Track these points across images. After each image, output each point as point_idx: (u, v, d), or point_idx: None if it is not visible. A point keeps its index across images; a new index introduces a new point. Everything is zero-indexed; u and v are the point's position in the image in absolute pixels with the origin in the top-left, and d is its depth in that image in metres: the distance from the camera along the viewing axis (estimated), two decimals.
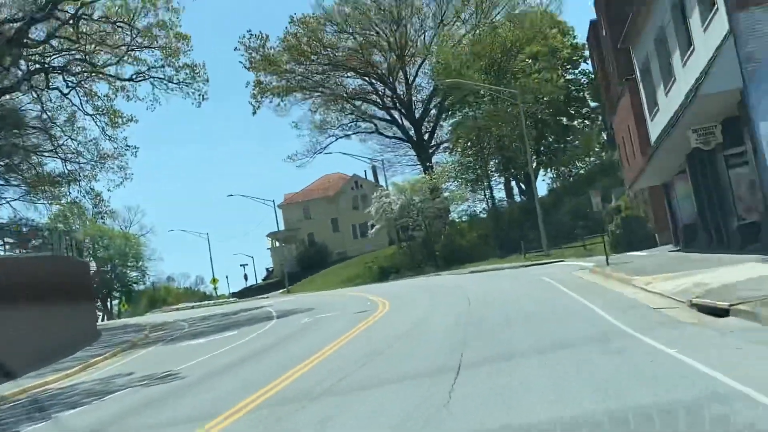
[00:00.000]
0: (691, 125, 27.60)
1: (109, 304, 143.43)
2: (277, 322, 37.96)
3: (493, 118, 72.36)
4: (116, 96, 59.38)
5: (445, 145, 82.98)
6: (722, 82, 24.48)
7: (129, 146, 59.82)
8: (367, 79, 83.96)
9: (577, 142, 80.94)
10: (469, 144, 74.09)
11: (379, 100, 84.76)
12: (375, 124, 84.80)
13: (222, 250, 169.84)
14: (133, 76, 58.22)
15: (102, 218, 68.24)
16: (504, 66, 78.66)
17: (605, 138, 76.52)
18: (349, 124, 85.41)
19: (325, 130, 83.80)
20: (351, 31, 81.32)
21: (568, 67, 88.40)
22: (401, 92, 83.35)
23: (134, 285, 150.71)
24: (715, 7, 25.48)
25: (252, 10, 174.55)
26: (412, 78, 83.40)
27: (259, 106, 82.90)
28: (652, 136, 37.99)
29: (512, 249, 66.89)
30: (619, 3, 78.38)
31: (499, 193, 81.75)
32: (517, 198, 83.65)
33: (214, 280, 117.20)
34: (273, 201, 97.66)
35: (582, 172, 74.84)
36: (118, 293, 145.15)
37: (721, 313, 15.62)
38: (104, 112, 59.68)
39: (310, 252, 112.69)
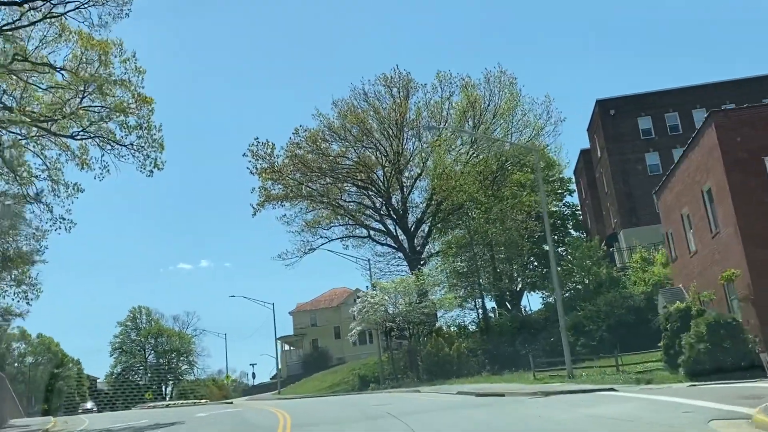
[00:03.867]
0: None
1: (162, 390, 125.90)
2: None
3: (485, 226, 47.01)
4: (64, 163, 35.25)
5: (437, 258, 56.42)
6: None
7: (64, 219, 34.83)
8: (365, 191, 58.75)
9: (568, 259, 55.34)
10: (460, 260, 48.38)
11: (375, 213, 59.26)
12: (369, 231, 58.92)
13: (251, 347, 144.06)
14: (74, 134, 33.61)
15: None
16: (498, 180, 54.07)
17: (605, 252, 50.54)
18: (345, 228, 59.75)
19: (316, 230, 58.21)
20: (352, 142, 56.64)
21: (551, 199, 63.14)
22: (396, 203, 57.99)
23: (183, 376, 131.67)
24: None
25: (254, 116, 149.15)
26: (408, 190, 58.03)
27: (259, 210, 57.68)
28: None
29: (503, 365, 40.85)
30: (615, 121, 54.67)
31: (489, 303, 55.30)
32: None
33: (227, 377, 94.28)
34: (272, 304, 72.30)
35: (579, 287, 48.09)
36: (171, 382, 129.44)
37: None
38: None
39: (313, 356, 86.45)
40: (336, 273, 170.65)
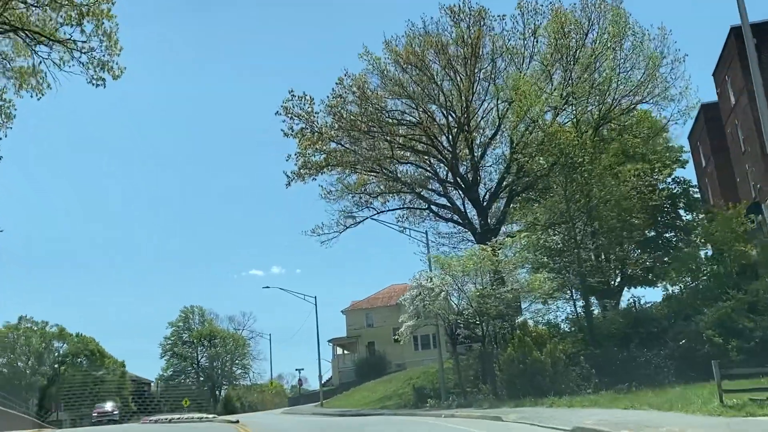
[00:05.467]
0: None
1: (217, 395, 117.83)
2: None
3: (589, 183, 34.45)
4: None
5: (521, 240, 43.18)
6: None
7: None
8: (426, 156, 46.99)
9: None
10: (553, 233, 35.68)
11: (438, 185, 47.51)
12: (429, 204, 47.08)
13: (306, 349, 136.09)
14: None
15: None
16: (600, 134, 41.68)
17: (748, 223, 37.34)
18: (399, 199, 48.13)
19: (362, 201, 46.86)
20: (410, 90, 44.74)
21: (658, 172, 49.02)
22: (464, 171, 46.01)
23: (237, 381, 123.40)
24: None
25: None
26: (479, 153, 45.95)
27: (295, 181, 46.67)
28: None
29: (617, 377, 28.71)
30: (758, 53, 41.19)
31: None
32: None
33: (272, 383, 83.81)
34: (315, 297, 60.56)
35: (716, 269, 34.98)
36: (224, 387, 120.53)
37: None
38: None
39: (368, 361, 74.84)
40: (392, 267, 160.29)
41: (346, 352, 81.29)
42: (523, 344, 28.45)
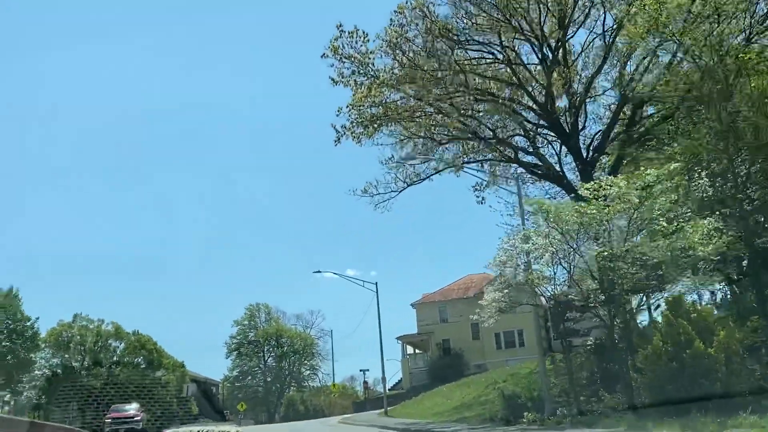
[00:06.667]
0: None
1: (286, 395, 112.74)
2: None
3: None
4: None
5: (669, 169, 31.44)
6: None
7: None
8: (512, 104, 37.08)
9: None
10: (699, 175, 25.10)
11: (527, 141, 37.75)
12: (516, 154, 37.20)
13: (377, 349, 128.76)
14: None
15: None
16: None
17: None
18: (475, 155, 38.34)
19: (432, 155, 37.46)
20: (492, 13, 34.92)
21: None
22: (564, 118, 35.94)
23: (305, 382, 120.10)
24: None
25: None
26: (579, 97, 35.73)
27: (346, 136, 37.60)
28: None
29: None
30: None
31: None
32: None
33: (334, 386, 75.64)
34: (375, 284, 51.93)
35: None
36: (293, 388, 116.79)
37: None
38: None
39: (443, 361, 65.31)
40: (467, 257, 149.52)
41: (417, 351, 72.03)
42: (678, 331, 18.33)
